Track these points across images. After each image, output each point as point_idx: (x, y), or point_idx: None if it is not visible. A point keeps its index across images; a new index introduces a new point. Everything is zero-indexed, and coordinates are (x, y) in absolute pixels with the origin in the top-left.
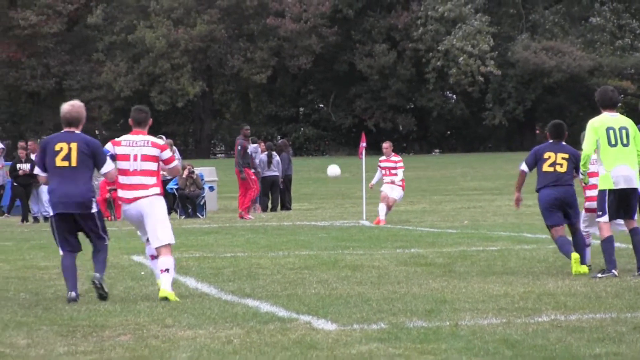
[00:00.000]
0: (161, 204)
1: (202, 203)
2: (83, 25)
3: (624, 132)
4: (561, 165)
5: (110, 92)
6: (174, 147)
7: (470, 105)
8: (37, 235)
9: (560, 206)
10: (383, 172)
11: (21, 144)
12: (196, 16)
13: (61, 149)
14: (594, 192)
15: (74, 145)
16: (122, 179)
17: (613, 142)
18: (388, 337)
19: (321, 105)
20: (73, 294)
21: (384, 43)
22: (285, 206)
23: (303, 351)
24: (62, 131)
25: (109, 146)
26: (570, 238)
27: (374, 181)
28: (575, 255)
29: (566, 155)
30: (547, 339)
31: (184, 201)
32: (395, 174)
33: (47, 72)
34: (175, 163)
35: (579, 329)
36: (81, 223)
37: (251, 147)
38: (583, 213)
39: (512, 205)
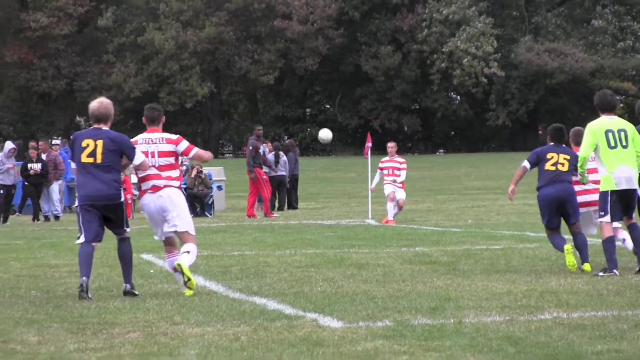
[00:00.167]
0: (182, 196)
1: (210, 202)
2: (93, 28)
3: (622, 134)
4: (563, 164)
5: (120, 93)
6: None
7: (474, 106)
8: (47, 234)
9: (559, 207)
10: (386, 171)
11: (32, 144)
12: (205, 18)
13: (87, 145)
14: (587, 186)
15: (99, 142)
16: (142, 174)
17: (612, 144)
18: (393, 334)
19: (327, 106)
20: (85, 279)
21: (389, 45)
22: (292, 205)
23: (309, 348)
24: (91, 127)
25: None
26: (567, 236)
27: (374, 184)
28: (567, 247)
29: (568, 157)
30: (549, 336)
31: (192, 200)
32: (399, 175)
33: (57, 74)
34: (196, 150)
35: (581, 326)
36: (106, 213)
37: (261, 147)
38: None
39: (515, 205)
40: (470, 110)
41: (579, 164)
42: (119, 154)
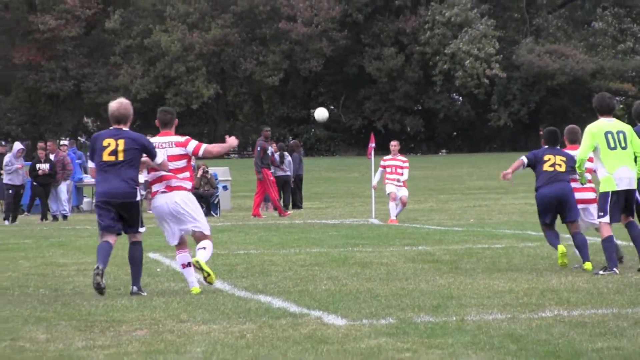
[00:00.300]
0: (194, 198)
1: (216, 202)
2: (101, 30)
3: (621, 135)
4: (560, 165)
5: (127, 94)
6: None
7: (476, 106)
8: (55, 233)
9: (557, 207)
10: (389, 169)
11: (40, 144)
12: (210, 21)
13: (109, 144)
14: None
15: (121, 142)
16: (155, 175)
17: (612, 145)
18: (396, 332)
19: (331, 107)
20: (100, 265)
21: (393, 46)
22: (297, 205)
23: (314, 345)
24: (111, 128)
25: None
26: (567, 235)
27: (375, 182)
28: (561, 248)
29: (564, 158)
30: (550, 333)
31: (198, 200)
32: (401, 173)
33: (65, 75)
34: (204, 148)
35: (582, 324)
36: (122, 212)
37: (269, 148)
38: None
39: (516, 204)
40: (472, 111)
41: (577, 165)
42: (140, 152)
